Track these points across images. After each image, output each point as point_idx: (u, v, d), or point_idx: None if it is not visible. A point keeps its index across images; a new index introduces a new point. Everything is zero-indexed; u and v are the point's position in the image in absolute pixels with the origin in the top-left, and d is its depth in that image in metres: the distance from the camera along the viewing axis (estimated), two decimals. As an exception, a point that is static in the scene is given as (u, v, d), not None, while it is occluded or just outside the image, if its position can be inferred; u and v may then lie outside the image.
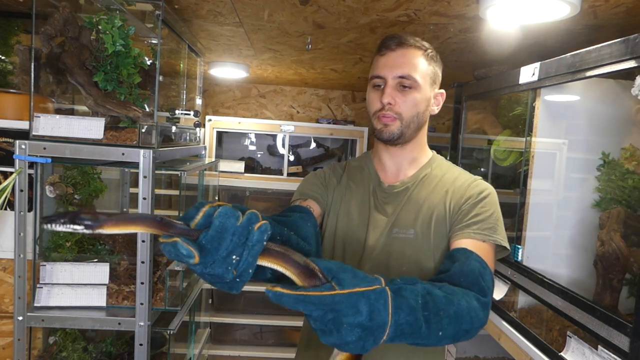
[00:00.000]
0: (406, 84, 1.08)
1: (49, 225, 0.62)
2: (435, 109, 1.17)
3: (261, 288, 2.68)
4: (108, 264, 1.48)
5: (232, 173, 2.89)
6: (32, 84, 1.41)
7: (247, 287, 2.85)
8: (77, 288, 1.45)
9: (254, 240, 0.64)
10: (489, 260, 0.98)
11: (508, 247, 1.05)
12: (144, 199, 1.37)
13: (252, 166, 3.34)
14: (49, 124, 1.38)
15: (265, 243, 0.65)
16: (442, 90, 1.18)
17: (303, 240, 0.92)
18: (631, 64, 0.98)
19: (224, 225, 0.63)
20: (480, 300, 0.86)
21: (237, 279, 0.65)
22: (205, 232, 0.63)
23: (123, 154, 1.37)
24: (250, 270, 0.65)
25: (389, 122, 1.10)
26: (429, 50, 1.12)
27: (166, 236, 0.63)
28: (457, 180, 1.13)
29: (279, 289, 0.64)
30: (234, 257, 0.63)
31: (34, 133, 1.38)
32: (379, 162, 1.21)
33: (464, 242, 1.01)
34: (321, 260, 0.70)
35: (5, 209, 1.48)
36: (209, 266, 0.63)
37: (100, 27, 1.40)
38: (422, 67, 1.10)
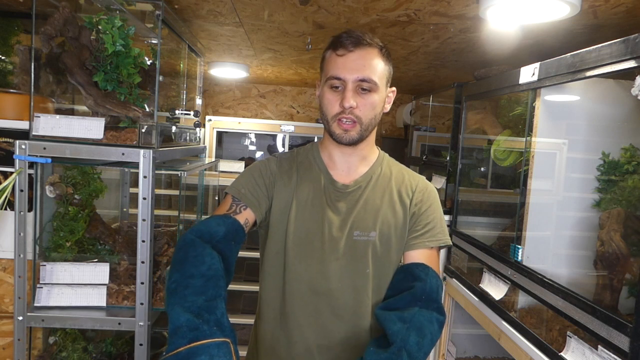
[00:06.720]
0: (365, 87, 1.08)
1: None
2: (388, 107, 1.18)
3: (261, 288, 2.69)
4: (108, 264, 1.48)
5: (232, 173, 2.88)
6: (32, 84, 1.41)
7: (247, 287, 2.85)
8: (77, 288, 1.45)
9: None
10: (437, 265, 1.15)
11: (451, 243, 1.20)
12: (144, 199, 1.37)
13: (252, 166, 3.34)
14: (49, 124, 1.38)
15: None
16: (394, 88, 1.18)
17: (229, 274, 1.03)
18: (631, 64, 0.98)
19: None
20: (439, 320, 1.03)
21: None
22: None
23: (123, 154, 1.37)
24: None
25: (349, 127, 1.09)
26: (384, 49, 1.11)
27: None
28: (406, 180, 1.20)
29: None
30: None
31: (34, 133, 1.38)
32: (329, 159, 1.20)
33: (420, 254, 1.15)
34: None
35: (5, 209, 1.48)
36: None
37: (100, 27, 1.40)
38: (379, 67, 1.09)
